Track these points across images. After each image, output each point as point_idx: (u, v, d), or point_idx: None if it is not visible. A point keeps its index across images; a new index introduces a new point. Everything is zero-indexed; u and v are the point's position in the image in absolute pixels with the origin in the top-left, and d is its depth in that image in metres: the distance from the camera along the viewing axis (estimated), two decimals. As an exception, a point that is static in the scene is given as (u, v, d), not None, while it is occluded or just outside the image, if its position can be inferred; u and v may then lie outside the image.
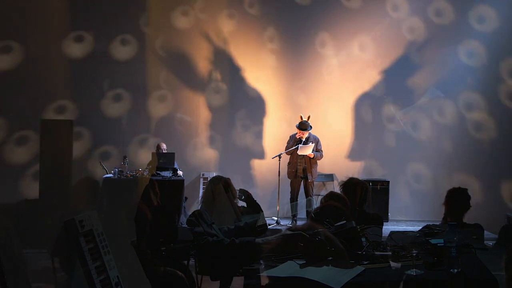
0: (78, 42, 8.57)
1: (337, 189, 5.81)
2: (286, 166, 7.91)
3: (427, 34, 8.75)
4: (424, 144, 8.79)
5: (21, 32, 8.39)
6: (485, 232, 3.89)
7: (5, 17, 8.32)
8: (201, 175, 8.66)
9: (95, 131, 8.56)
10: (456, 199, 3.82)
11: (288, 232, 2.68)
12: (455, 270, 2.70)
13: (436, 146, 8.76)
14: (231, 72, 8.81)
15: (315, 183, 8.09)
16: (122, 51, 8.66)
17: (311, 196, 7.82)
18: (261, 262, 2.81)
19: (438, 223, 3.96)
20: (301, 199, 7.88)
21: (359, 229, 3.26)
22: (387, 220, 7.98)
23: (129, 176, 7.56)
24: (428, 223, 3.89)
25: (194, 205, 8.44)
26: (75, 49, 8.57)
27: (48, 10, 8.43)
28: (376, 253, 3.05)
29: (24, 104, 8.30)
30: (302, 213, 7.94)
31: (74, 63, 8.55)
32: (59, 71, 8.46)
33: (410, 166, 8.78)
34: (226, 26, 8.79)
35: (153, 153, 7.87)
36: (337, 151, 8.70)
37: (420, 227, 3.79)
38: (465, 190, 3.88)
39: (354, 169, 8.50)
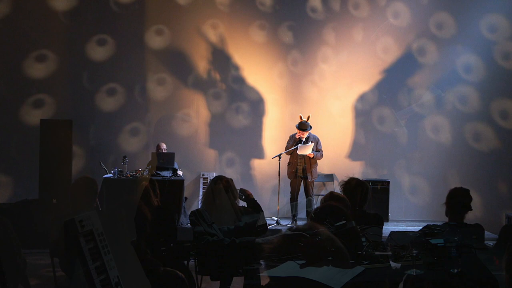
0: (77, 42, 8.56)
1: (337, 189, 5.81)
2: (286, 166, 7.91)
3: (428, 33, 8.75)
4: (424, 143, 8.79)
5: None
6: (485, 232, 3.88)
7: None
8: (201, 175, 8.66)
9: (94, 130, 8.57)
10: (457, 199, 3.81)
11: (289, 232, 2.68)
12: (455, 270, 2.70)
13: (436, 145, 8.76)
14: (230, 71, 8.81)
15: (315, 183, 8.09)
16: (121, 50, 8.66)
17: (311, 196, 7.82)
18: (261, 262, 2.81)
19: (438, 223, 3.95)
20: (301, 199, 7.88)
21: (359, 229, 3.26)
22: (387, 220, 7.98)
23: (129, 176, 7.56)
24: (428, 223, 3.89)
25: (194, 205, 8.45)
26: (71, 49, 8.57)
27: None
28: (376, 253, 3.05)
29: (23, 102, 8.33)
30: (302, 213, 7.93)
31: (72, 63, 8.57)
32: (58, 71, 8.49)
33: (410, 166, 8.77)
34: (225, 24, 8.79)
35: (153, 153, 7.86)
36: (337, 151, 8.70)
37: (420, 227, 3.79)
38: (466, 190, 3.86)
39: (354, 169, 8.49)
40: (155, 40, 8.74)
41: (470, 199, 3.82)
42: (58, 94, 8.40)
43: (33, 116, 8.13)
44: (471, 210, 3.81)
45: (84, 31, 8.51)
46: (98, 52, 8.56)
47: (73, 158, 7.48)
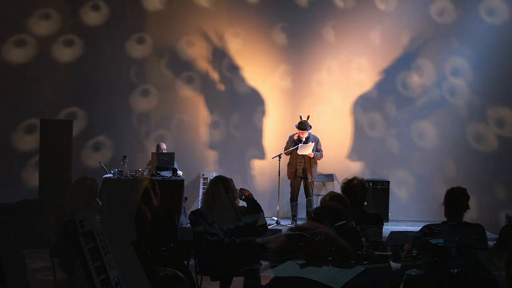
0: (78, 45, 8.58)
1: (337, 189, 5.81)
2: (286, 166, 7.90)
3: (427, 33, 8.75)
4: (424, 143, 8.79)
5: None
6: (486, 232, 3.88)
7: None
8: (201, 175, 8.66)
9: (94, 131, 8.57)
10: (455, 199, 3.81)
11: (289, 232, 2.68)
12: (455, 270, 2.70)
13: (436, 145, 8.75)
14: (230, 71, 8.81)
15: (315, 183, 8.09)
16: (120, 50, 8.66)
17: (311, 196, 7.81)
18: (261, 262, 2.81)
19: (438, 223, 3.95)
20: (301, 199, 7.87)
21: (359, 229, 3.27)
22: (387, 220, 7.97)
23: (129, 176, 7.55)
24: (428, 223, 3.89)
25: (194, 205, 8.44)
26: (74, 52, 8.58)
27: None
28: (376, 253, 3.05)
29: (22, 104, 8.33)
30: (302, 213, 7.93)
31: (72, 64, 8.58)
32: (59, 74, 8.52)
33: (410, 166, 8.76)
34: (225, 24, 8.79)
35: (153, 153, 7.86)
36: (337, 151, 8.69)
37: (420, 227, 3.79)
38: (463, 189, 3.87)
39: (354, 169, 8.47)
40: (155, 40, 8.75)
41: (468, 198, 3.82)
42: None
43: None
44: (469, 209, 3.82)
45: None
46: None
47: (73, 158, 7.47)
